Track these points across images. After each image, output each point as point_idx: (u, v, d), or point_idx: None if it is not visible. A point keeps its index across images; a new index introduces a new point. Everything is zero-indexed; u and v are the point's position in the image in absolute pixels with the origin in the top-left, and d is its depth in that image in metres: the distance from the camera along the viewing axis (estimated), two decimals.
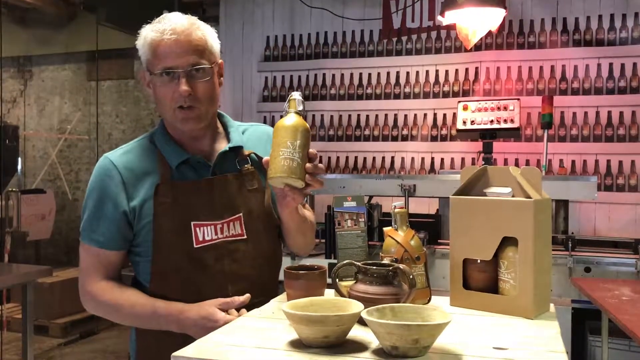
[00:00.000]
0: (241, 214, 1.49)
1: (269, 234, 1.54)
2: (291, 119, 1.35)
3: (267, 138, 1.49)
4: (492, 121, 3.69)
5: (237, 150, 1.53)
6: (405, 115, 4.56)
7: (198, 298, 1.42)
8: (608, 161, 4.03)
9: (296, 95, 1.37)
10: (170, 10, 5.43)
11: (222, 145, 1.53)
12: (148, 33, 1.44)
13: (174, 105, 1.42)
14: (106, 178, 1.47)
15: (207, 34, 1.47)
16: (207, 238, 1.45)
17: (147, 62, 1.45)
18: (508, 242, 1.30)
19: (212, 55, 1.46)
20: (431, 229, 3.33)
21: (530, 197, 1.27)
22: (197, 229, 1.44)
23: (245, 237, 1.49)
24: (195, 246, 1.44)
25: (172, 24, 1.42)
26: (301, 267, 1.32)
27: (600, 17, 4.10)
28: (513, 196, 1.32)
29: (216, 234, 1.46)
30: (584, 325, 3.10)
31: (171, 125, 1.50)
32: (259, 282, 1.49)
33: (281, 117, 1.38)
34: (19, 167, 5.77)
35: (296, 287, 1.26)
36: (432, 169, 4.44)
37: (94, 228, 1.47)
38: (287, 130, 1.33)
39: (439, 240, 3.37)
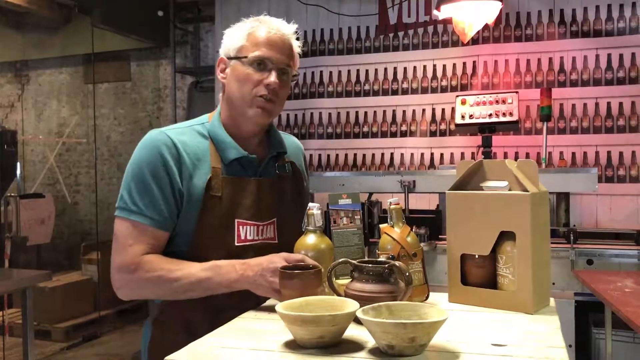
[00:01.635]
0: (275, 219, 1.52)
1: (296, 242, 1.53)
2: (314, 242, 1.37)
3: (298, 150, 1.70)
4: (490, 115, 3.67)
5: (278, 155, 1.57)
6: (404, 111, 4.54)
7: (230, 296, 1.39)
8: (608, 152, 4.01)
9: (315, 209, 1.38)
10: (165, 12, 5.35)
11: (265, 148, 1.56)
12: (250, 23, 1.48)
13: (257, 92, 1.44)
14: (164, 151, 1.41)
15: (297, 47, 1.53)
16: (248, 237, 1.46)
17: (238, 48, 1.46)
18: (506, 236, 1.28)
19: (295, 65, 1.52)
20: (432, 224, 3.31)
21: (527, 190, 1.25)
22: (240, 227, 1.45)
23: (276, 241, 1.51)
24: (236, 244, 1.44)
25: (278, 24, 1.49)
26: (296, 266, 1.30)
27: (597, 7, 4.08)
28: (510, 190, 1.30)
29: (257, 234, 1.48)
30: (587, 317, 3.08)
31: (233, 117, 1.50)
32: None
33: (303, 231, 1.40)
34: (18, 171, 5.75)
35: (291, 287, 1.24)
36: (431, 165, 4.43)
37: (146, 203, 1.38)
38: (312, 259, 1.33)
39: (439, 236, 3.35)
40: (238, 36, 1.47)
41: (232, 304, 1.37)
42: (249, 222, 1.46)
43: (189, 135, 1.48)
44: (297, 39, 1.55)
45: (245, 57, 1.44)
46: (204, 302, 1.40)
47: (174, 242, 1.44)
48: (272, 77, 1.43)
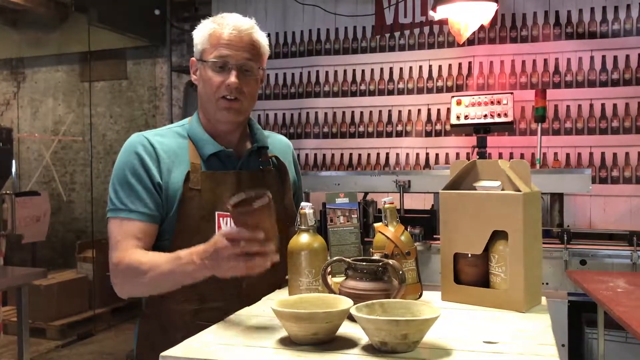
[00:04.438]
0: None
1: (282, 235, 1.54)
2: (307, 241, 1.36)
3: (286, 147, 1.71)
4: (485, 115, 3.69)
5: (261, 150, 1.61)
6: (400, 111, 4.55)
7: (212, 286, 1.41)
8: (602, 154, 4.03)
9: (307, 208, 1.37)
10: (162, 10, 5.36)
11: (247, 144, 1.60)
12: (209, 25, 1.52)
13: (219, 94, 1.48)
14: (140, 151, 1.48)
15: (262, 39, 1.55)
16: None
17: (201, 51, 1.51)
18: (498, 235, 1.30)
19: (261, 59, 1.55)
20: (426, 224, 3.32)
21: (519, 190, 1.27)
22: (221, 219, 1.48)
23: None
24: None
25: (235, 21, 1.50)
26: (246, 199, 1.21)
27: (592, 9, 4.10)
28: (502, 189, 1.32)
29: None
30: (580, 317, 3.10)
31: (207, 117, 1.55)
32: (270, 279, 1.49)
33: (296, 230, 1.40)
34: (13, 169, 5.75)
35: (243, 222, 1.17)
36: (426, 165, 4.44)
37: (132, 200, 1.44)
38: (305, 258, 1.34)
39: (434, 236, 3.36)
40: (201, 38, 1.52)
41: (215, 293, 1.44)
42: (229, 214, 1.48)
43: (167, 136, 1.54)
44: (268, 34, 1.56)
45: (207, 60, 1.49)
46: (188, 293, 1.43)
47: (158, 236, 1.48)
48: (232, 78, 1.47)
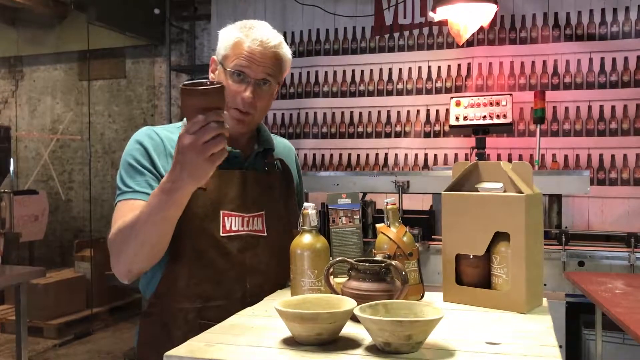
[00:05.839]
0: (264, 212, 1.55)
1: (286, 236, 1.55)
2: (309, 242, 1.35)
3: (289, 151, 1.74)
4: (484, 117, 3.69)
5: (267, 152, 1.62)
6: (399, 112, 4.56)
7: (217, 285, 1.45)
8: (600, 155, 4.05)
9: (310, 209, 1.37)
10: (161, 9, 5.33)
11: (254, 146, 1.61)
12: (236, 32, 1.50)
13: (232, 105, 1.48)
14: (144, 140, 1.49)
15: (287, 56, 1.54)
16: (233, 228, 1.49)
17: (223, 56, 1.51)
18: (500, 237, 1.30)
19: (280, 75, 1.54)
20: (425, 225, 3.33)
21: (521, 192, 1.27)
22: (226, 218, 1.48)
23: (265, 234, 1.54)
24: (221, 234, 1.47)
25: (262, 35, 1.48)
26: (195, 82, 1.21)
27: (591, 11, 4.12)
28: (504, 191, 1.32)
29: (242, 226, 1.50)
30: (578, 319, 3.11)
31: None
32: (273, 279, 1.53)
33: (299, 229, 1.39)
34: (11, 168, 5.75)
35: (191, 105, 1.16)
36: (425, 165, 4.45)
37: (138, 182, 1.43)
38: (308, 258, 1.34)
39: (433, 236, 3.37)
40: (226, 42, 1.51)
41: (218, 292, 1.44)
42: (234, 213, 1.49)
43: (175, 133, 1.52)
44: (294, 48, 1.55)
45: (226, 67, 1.49)
46: (192, 291, 1.44)
47: None
48: (247, 92, 1.46)
